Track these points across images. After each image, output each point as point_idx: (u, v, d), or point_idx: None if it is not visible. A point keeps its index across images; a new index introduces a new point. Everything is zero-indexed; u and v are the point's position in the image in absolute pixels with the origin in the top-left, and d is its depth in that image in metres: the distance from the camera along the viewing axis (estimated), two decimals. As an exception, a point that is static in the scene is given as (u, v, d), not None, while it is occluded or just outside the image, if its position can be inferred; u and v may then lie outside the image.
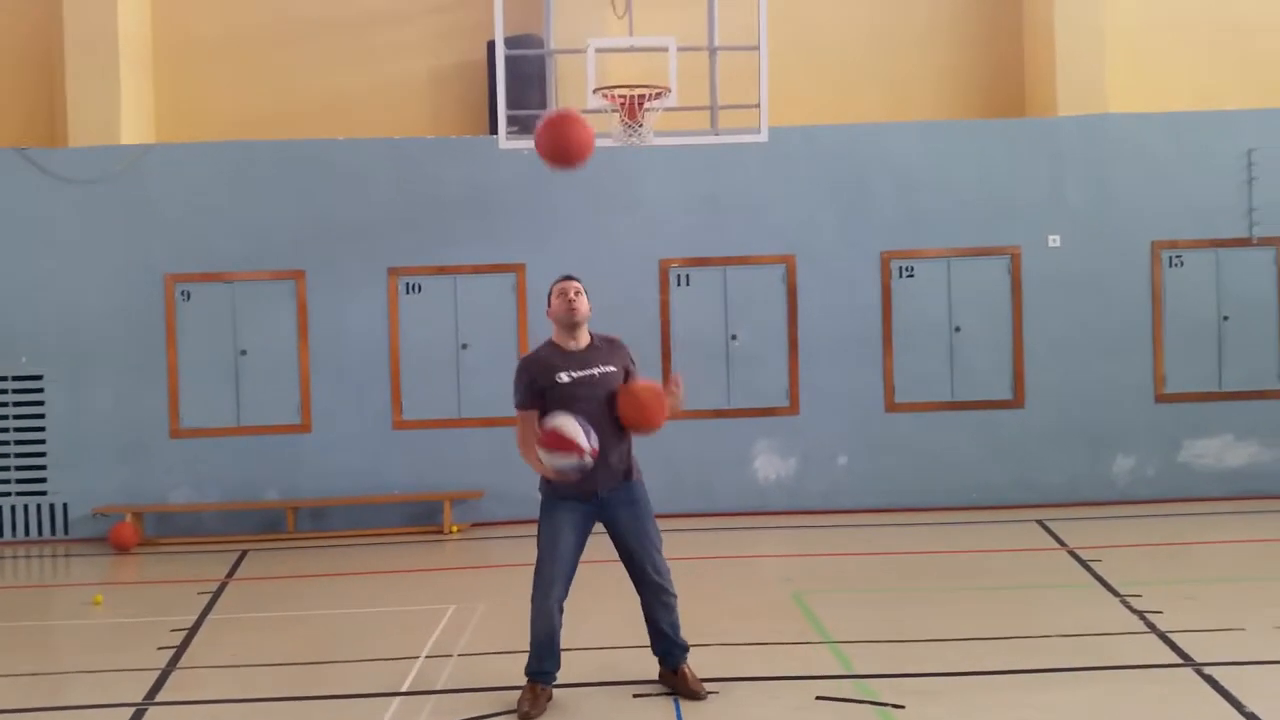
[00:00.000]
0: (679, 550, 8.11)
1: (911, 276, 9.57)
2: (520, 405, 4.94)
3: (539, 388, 4.88)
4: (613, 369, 4.95)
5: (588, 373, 4.89)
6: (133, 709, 5.15)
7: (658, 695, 5.06)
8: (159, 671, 5.70)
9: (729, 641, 5.84)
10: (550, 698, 4.97)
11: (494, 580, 7.66)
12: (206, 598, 7.29)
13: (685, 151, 9.21)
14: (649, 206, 9.54)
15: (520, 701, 4.89)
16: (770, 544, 8.59)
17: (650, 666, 5.21)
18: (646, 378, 5.11)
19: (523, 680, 4.95)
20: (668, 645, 5.05)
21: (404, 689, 5.29)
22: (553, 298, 4.99)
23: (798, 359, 9.56)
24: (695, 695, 4.97)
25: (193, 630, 6.49)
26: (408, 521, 9.42)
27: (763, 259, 9.59)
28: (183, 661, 5.90)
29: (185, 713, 5.15)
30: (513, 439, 9.62)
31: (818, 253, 9.55)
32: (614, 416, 4.88)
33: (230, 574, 8.07)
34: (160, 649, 6.08)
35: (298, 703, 5.22)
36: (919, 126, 9.73)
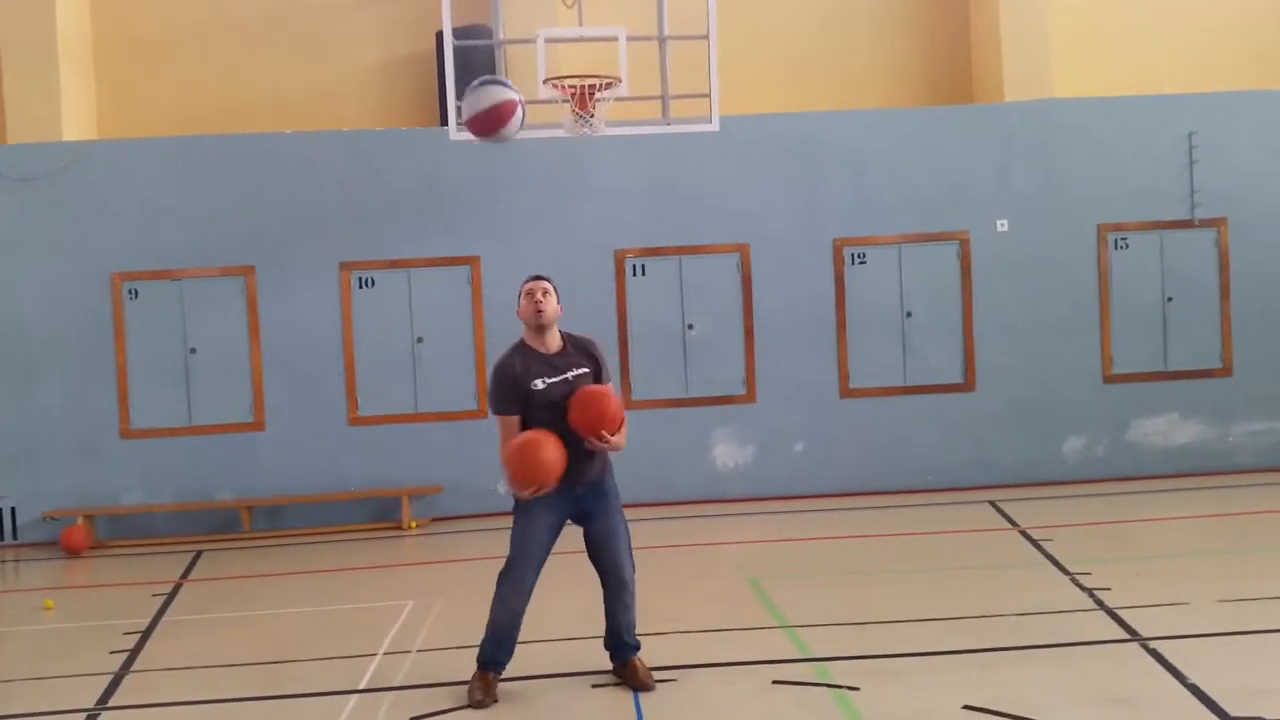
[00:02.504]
0: (638, 540, 8.14)
1: (864, 263, 9.66)
2: (498, 412, 4.90)
3: (516, 394, 4.86)
4: (585, 370, 4.95)
5: (561, 378, 4.88)
6: (84, 715, 5.08)
7: (615, 686, 5.09)
8: (112, 676, 5.63)
9: (686, 629, 5.88)
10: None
11: (453, 575, 7.65)
12: (160, 600, 7.20)
13: (638, 141, 9.21)
14: (603, 197, 9.53)
15: (472, 691, 4.90)
16: (728, 531, 8.65)
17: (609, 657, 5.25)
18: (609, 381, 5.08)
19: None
20: (620, 643, 5.12)
21: (362, 686, 5.27)
22: (521, 298, 4.98)
23: (754, 347, 9.62)
24: (645, 687, 5.02)
25: (146, 633, 6.42)
26: (366, 518, 9.36)
27: (717, 248, 9.62)
28: (136, 665, 5.83)
29: (139, 717, 5.09)
30: (469, 432, 9.59)
31: (771, 241, 9.60)
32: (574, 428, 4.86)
33: (185, 575, 7.97)
34: (113, 653, 6.00)
35: (255, 703, 5.18)
36: (869, 115, 9.80)
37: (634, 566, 5.08)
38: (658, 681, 5.07)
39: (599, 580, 5.06)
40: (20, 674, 5.87)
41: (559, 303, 5.01)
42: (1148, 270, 9.72)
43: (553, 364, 4.91)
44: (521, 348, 4.96)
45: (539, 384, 4.85)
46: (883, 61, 10.44)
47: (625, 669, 5.11)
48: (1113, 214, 9.72)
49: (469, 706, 4.85)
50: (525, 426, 4.86)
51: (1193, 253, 9.75)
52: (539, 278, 5.03)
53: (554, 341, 4.97)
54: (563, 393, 4.85)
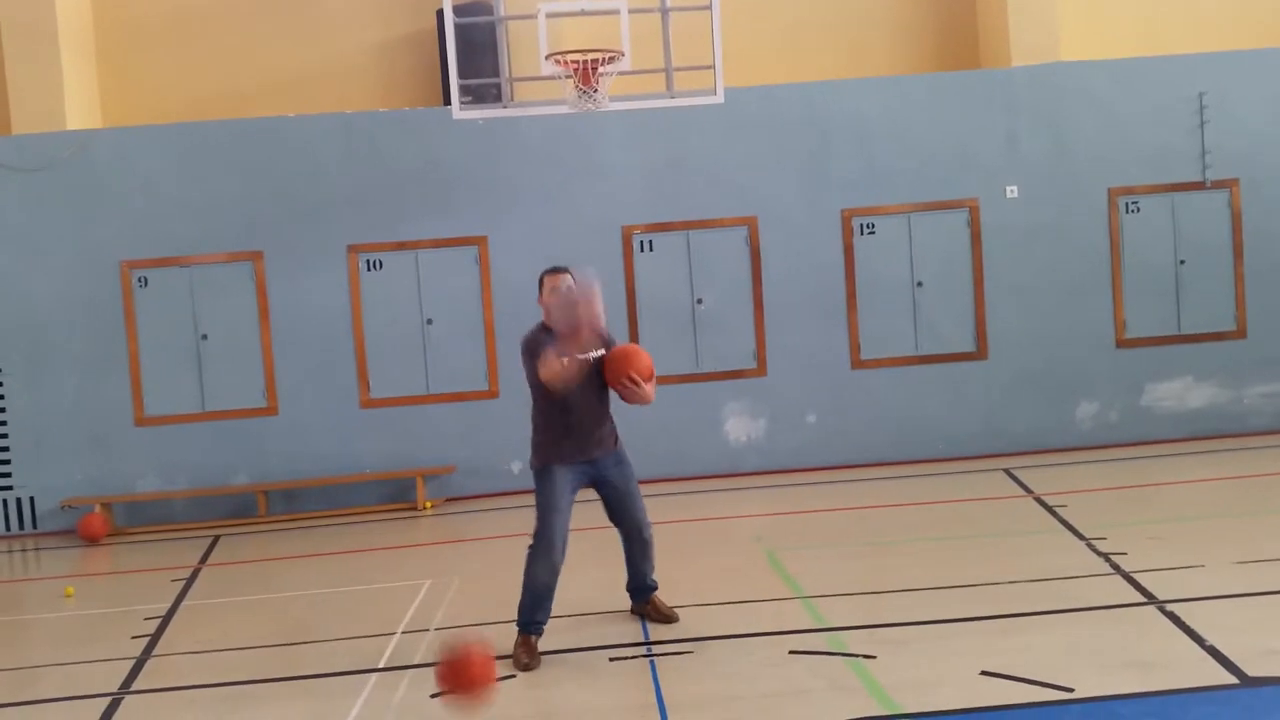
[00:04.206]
0: (651, 515, 8.15)
1: (873, 233, 9.61)
2: (536, 365, 5.09)
3: (543, 354, 5.12)
4: (602, 352, 5.25)
5: (586, 355, 5.15)
6: (109, 699, 5.13)
7: (633, 658, 5.11)
8: (134, 660, 5.68)
9: (703, 601, 5.89)
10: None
11: (468, 554, 7.68)
12: (180, 585, 7.25)
13: (643, 117, 9.16)
14: (609, 173, 9.49)
15: (518, 656, 5.11)
16: (742, 504, 8.65)
17: (626, 630, 5.31)
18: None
19: (498, 650, 4.97)
20: (643, 585, 5.55)
21: (381, 665, 5.31)
22: (544, 291, 5.25)
23: (763, 320, 9.59)
24: (670, 618, 5.47)
25: (167, 618, 6.47)
26: (380, 500, 9.40)
27: (725, 221, 9.58)
28: (158, 649, 5.88)
29: (162, 700, 5.14)
30: (481, 413, 9.60)
31: (779, 213, 9.55)
32: (606, 396, 5.26)
33: (203, 560, 8.03)
34: (135, 638, 6.06)
35: (276, 684, 5.23)
36: (875, 83, 9.72)
37: (650, 522, 5.49)
38: (675, 654, 5.10)
39: (621, 535, 5.44)
40: (44, 660, 5.92)
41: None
42: (1159, 233, 9.65)
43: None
44: (543, 330, 5.24)
45: (564, 359, 5.09)
46: (887, 27, 10.34)
47: (648, 605, 5.53)
48: (1123, 177, 9.64)
49: (517, 671, 5.02)
50: (550, 407, 5.16)
51: (1205, 215, 9.66)
52: (558, 270, 5.30)
53: None
54: (585, 376, 5.12)
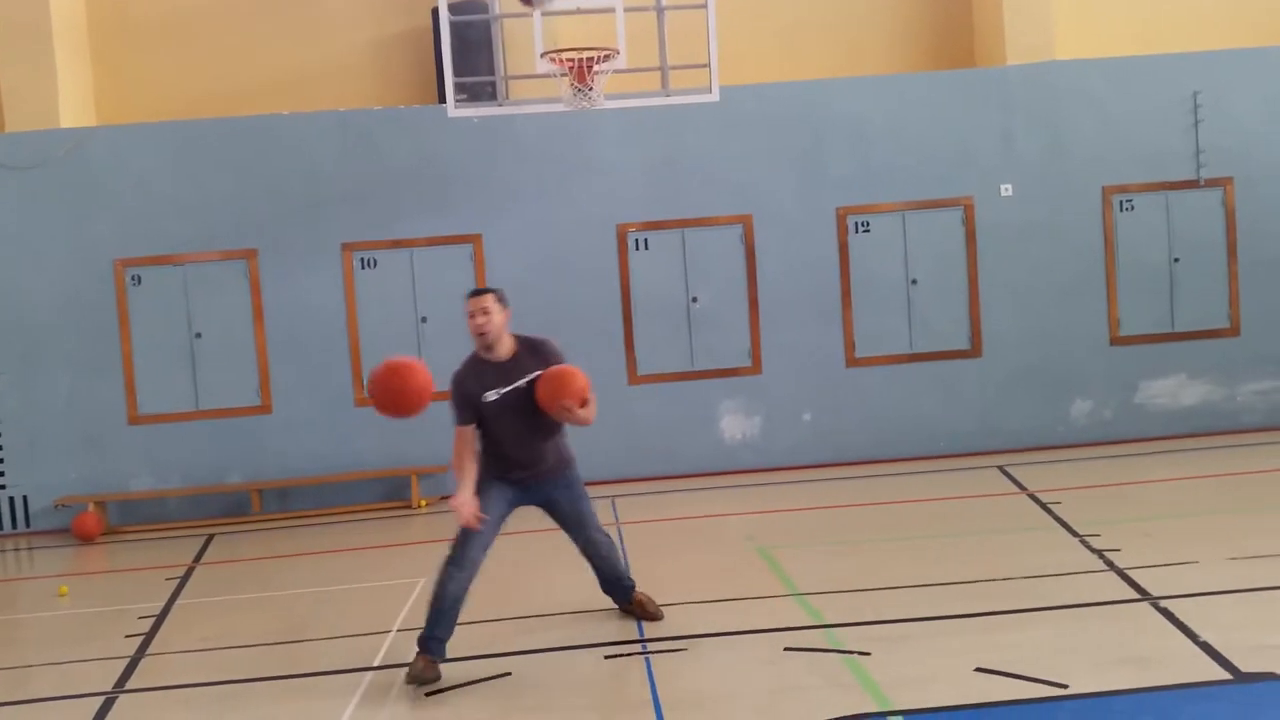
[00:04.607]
0: (646, 513, 8.21)
1: (867, 231, 9.62)
2: (457, 423, 5.04)
3: (469, 405, 4.99)
4: (537, 376, 5.00)
5: (512, 387, 4.98)
6: (102, 698, 5.12)
7: (628, 656, 5.11)
8: (128, 659, 5.67)
9: (697, 599, 5.90)
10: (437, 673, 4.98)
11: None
12: (174, 583, 7.24)
13: (638, 115, 9.16)
14: (604, 171, 9.49)
15: (412, 667, 4.90)
16: (737, 502, 8.66)
17: (620, 628, 5.33)
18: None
19: (494, 648, 4.99)
20: (616, 585, 5.51)
21: (376, 664, 5.31)
22: (467, 316, 5.03)
23: (758, 319, 9.60)
24: (656, 616, 5.45)
25: (161, 616, 6.46)
26: (375, 498, 9.39)
27: (720, 220, 9.58)
28: (152, 648, 5.87)
29: (156, 699, 5.14)
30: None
31: (774, 211, 9.56)
32: (542, 422, 5.01)
33: (197, 559, 8.02)
34: (129, 637, 6.05)
35: (270, 682, 5.22)
36: (869, 81, 9.73)
37: (606, 534, 5.43)
38: (670, 651, 5.10)
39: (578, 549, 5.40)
40: (38, 659, 5.91)
41: (506, 308, 5.03)
42: (1154, 231, 9.67)
43: (505, 372, 5.00)
44: (474, 360, 5.06)
45: (490, 396, 4.98)
46: (882, 26, 10.34)
47: (632, 605, 5.47)
48: (1117, 176, 9.66)
49: (416, 684, 4.84)
50: (483, 435, 5.05)
51: (1199, 213, 9.68)
52: (478, 293, 5.04)
53: (505, 350, 5.04)
54: (514, 400, 4.97)
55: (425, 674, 4.88)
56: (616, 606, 5.63)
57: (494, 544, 5.11)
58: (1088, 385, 9.69)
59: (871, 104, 9.58)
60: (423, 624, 5.03)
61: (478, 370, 5.01)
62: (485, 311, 4.95)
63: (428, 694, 4.85)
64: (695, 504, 8.58)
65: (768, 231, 9.56)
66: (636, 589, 5.56)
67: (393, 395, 4.83)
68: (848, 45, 10.30)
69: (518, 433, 5.01)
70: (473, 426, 5.02)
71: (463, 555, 4.96)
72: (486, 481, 5.08)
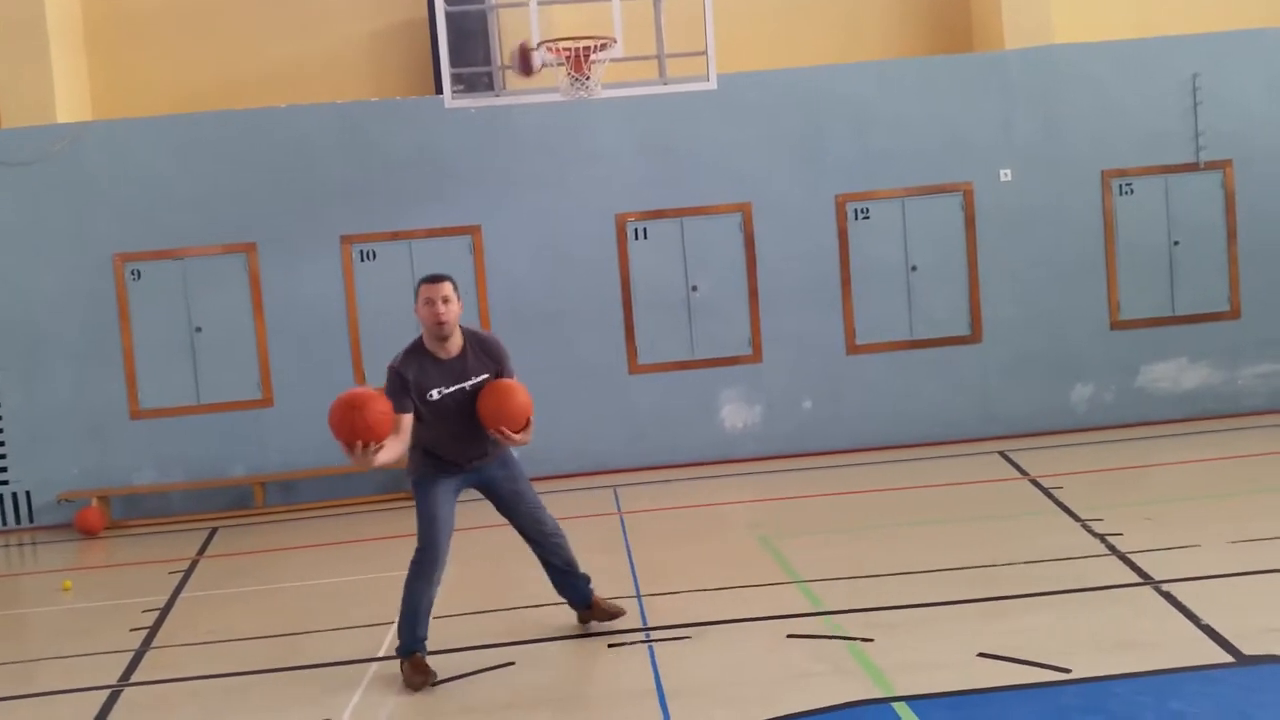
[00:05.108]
0: (646, 503, 8.22)
1: (867, 218, 9.60)
2: (394, 410, 4.69)
3: (407, 396, 4.71)
4: (485, 377, 4.80)
5: (458, 387, 4.75)
6: (108, 691, 5.14)
7: (632, 644, 5.13)
8: (133, 653, 5.69)
9: (700, 588, 5.91)
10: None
11: (464, 542, 7.64)
12: (178, 577, 7.26)
13: (637, 103, 9.13)
14: (602, 160, 9.47)
15: (409, 677, 4.82)
16: (739, 491, 8.67)
17: (624, 616, 5.29)
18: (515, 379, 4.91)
19: (497, 638, 4.99)
20: (570, 580, 5.18)
21: (380, 654, 5.32)
22: (419, 303, 4.71)
23: (758, 307, 9.59)
24: (617, 612, 5.20)
25: (165, 610, 6.48)
26: (378, 490, 9.40)
27: (719, 208, 9.57)
28: (156, 641, 5.89)
29: (162, 692, 5.15)
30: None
31: (773, 199, 9.54)
32: (477, 422, 4.79)
33: (201, 552, 8.03)
34: (133, 630, 6.06)
35: (275, 674, 5.24)
36: (867, 67, 9.70)
37: (552, 518, 5.11)
38: (673, 639, 5.11)
39: (526, 541, 5.11)
40: (43, 653, 5.93)
41: (460, 300, 4.76)
42: (1153, 215, 9.65)
43: (451, 370, 4.75)
44: (419, 351, 4.76)
45: (435, 394, 4.70)
46: (880, 11, 10.31)
47: (591, 611, 5.22)
48: (1117, 159, 9.63)
49: (412, 690, 4.77)
50: (421, 429, 4.78)
51: (1198, 196, 9.66)
52: (437, 279, 4.73)
53: (454, 345, 4.77)
54: (459, 400, 4.73)
55: (423, 679, 4.80)
56: (575, 614, 5.29)
57: (454, 529, 4.97)
58: (1088, 370, 9.69)
59: (870, 90, 9.55)
60: (399, 635, 4.90)
61: (421, 363, 4.71)
62: (446, 300, 4.66)
63: (433, 684, 4.87)
64: (697, 493, 8.59)
65: (767, 219, 9.55)
66: (592, 588, 5.26)
67: (351, 428, 4.58)
68: (845, 31, 10.27)
69: (456, 432, 4.77)
70: (408, 416, 4.71)
71: (434, 556, 4.83)
72: (426, 479, 4.87)
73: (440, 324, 4.69)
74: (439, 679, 4.89)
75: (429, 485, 4.87)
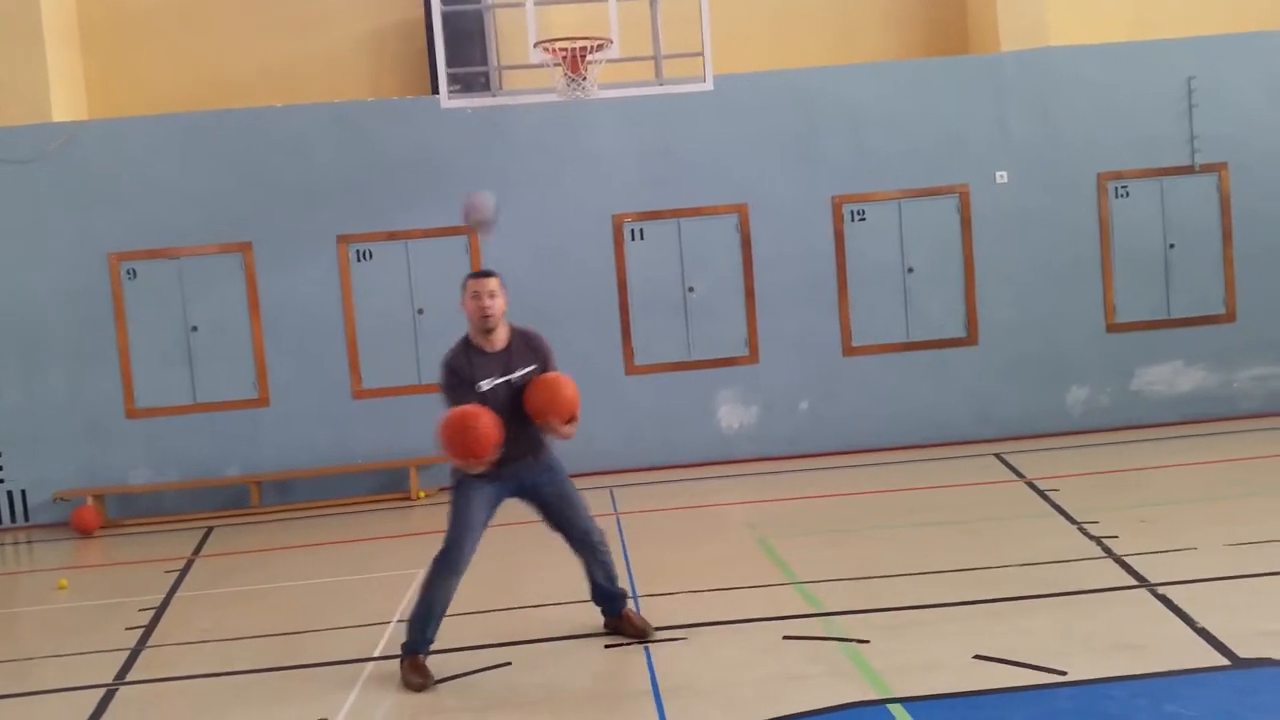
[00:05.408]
0: (642, 504, 8.22)
1: (863, 220, 9.62)
2: (450, 405, 4.81)
3: (464, 391, 4.81)
4: (531, 370, 4.90)
5: (505, 379, 4.85)
6: (103, 690, 5.13)
7: (629, 645, 5.13)
8: (128, 651, 5.68)
9: (696, 588, 5.91)
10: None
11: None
12: (174, 576, 7.25)
13: (633, 104, 9.14)
14: (599, 161, 9.47)
15: (409, 678, 4.84)
16: (735, 492, 8.67)
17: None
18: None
19: (494, 638, 4.99)
20: (607, 595, 5.21)
21: (376, 654, 5.32)
22: (466, 297, 4.87)
23: (755, 308, 9.60)
24: (645, 632, 5.14)
25: (161, 608, 6.47)
26: (374, 490, 9.40)
27: (716, 209, 9.58)
28: (152, 640, 5.88)
29: (158, 690, 5.15)
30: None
31: (770, 200, 9.55)
32: (523, 413, 4.86)
33: (196, 551, 8.02)
34: (129, 629, 6.05)
35: (270, 674, 5.23)
36: (864, 69, 9.72)
37: (598, 525, 5.15)
38: (669, 640, 5.11)
39: (567, 543, 5.12)
40: (38, 652, 5.91)
41: (506, 295, 4.88)
42: (1149, 218, 9.67)
43: (498, 362, 4.86)
44: (467, 347, 4.91)
45: (484, 385, 4.81)
46: (875, 13, 10.33)
47: (620, 620, 5.20)
48: (1113, 162, 9.66)
49: (411, 691, 4.78)
50: None
51: (1194, 199, 9.69)
52: (485, 274, 4.90)
53: (500, 339, 4.90)
54: (507, 394, 4.82)
55: (421, 680, 4.81)
56: (603, 623, 5.30)
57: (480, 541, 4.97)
58: (1084, 372, 9.71)
59: (866, 91, 9.56)
60: (407, 631, 4.92)
61: (470, 357, 4.86)
62: (492, 295, 4.82)
63: (431, 687, 4.86)
64: (693, 494, 8.59)
65: (763, 220, 9.56)
66: (628, 604, 5.29)
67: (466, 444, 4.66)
68: (841, 32, 10.29)
69: (503, 425, 4.77)
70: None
71: (457, 559, 4.85)
72: (466, 480, 4.88)
73: (486, 317, 4.83)
74: (437, 679, 4.88)
75: (469, 489, 4.89)
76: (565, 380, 4.87)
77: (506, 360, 4.89)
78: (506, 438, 4.80)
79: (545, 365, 4.97)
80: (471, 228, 4.90)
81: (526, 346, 4.94)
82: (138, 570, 7.62)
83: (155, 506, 9.31)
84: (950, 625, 5.09)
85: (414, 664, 4.90)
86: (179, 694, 5.09)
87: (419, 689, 4.80)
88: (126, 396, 9.31)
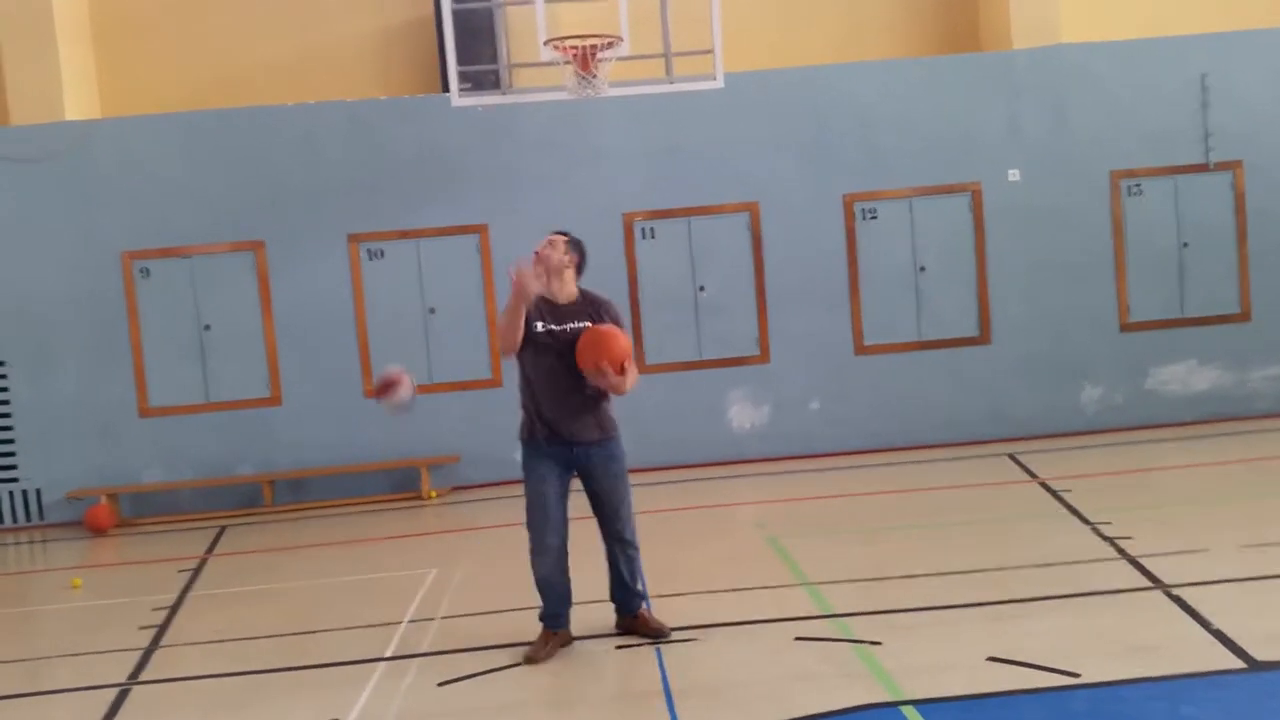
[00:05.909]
0: (655, 503, 8.21)
1: (874, 218, 9.58)
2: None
3: (527, 330, 4.97)
4: (584, 325, 4.99)
5: (562, 327, 4.98)
6: (117, 689, 5.15)
7: (640, 645, 5.12)
8: (142, 651, 5.70)
9: (707, 589, 5.91)
10: (566, 642, 5.13)
11: (473, 543, 7.69)
12: (187, 575, 7.27)
13: (644, 103, 9.12)
14: (609, 159, 9.46)
15: (531, 647, 5.07)
16: (746, 491, 8.66)
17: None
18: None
19: (507, 638, 5.02)
20: (627, 593, 5.24)
21: (388, 654, 5.32)
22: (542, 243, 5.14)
23: (766, 307, 9.58)
24: (660, 634, 5.16)
25: (174, 608, 6.49)
26: (386, 489, 9.41)
27: (726, 208, 9.56)
28: (165, 640, 5.90)
29: (170, 690, 5.16)
30: (484, 402, 9.62)
31: (781, 199, 9.52)
32: (582, 382, 4.96)
33: (209, 550, 8.05)
34: (142, 628, 6.07)
35: (283, 673, 5.24)
36: (875, 66, 9.68)
37: (634, 525, 5.21)
38: (681, 641, 5.11)
39: (601, 535, 5.21)
40: (52, 651, 5.94)
41: (574, 255, 5.09)
42: (1163, 216, 9.61)
43: (559, 312, 5.01)
44: (541, 297, 5.07)
45: (539, 326, 4.96)
46: (887, 11, 10.28)
47: (635, 620, 5.23)
48: (1126, 160, 9.60)
49: (525, 661, 4.99)
50: (524, 381, 5.03)
51: (1208, 197, 9.63)
52: (558, 232, 5.18)
53: (567, 293, 5.06)
54: (559, 341, 4.94)
55: (536, 650, 5.02)
56: (615, 622, 5.32)
57: (568, 518, 5.09)
58: (1098, 371, 9.66)
59: (877, 89, 9.53)
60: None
61: (539, 302, 5.00)
62: (552, 244, 5.05)
63: (439, 684, 4.87)
64: (704, 493, 8.58)
65: (774, 219, 9.53)
66: (644, 606, 5.31)
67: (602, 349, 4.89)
68: (852, 30, 10.25)
69: (555, 383, 4.94)
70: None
71: (540, 543, 5.02)
72: (533, 455, 5.03)
73: (537, 258, 5.02)
74: (448, 680, 4.88)
75: (534, 464, 5.02)
76: (617, 331, 5.00)
77: (568, 312, 5.02)
78: (559, 405, 4.94)
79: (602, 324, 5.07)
80: (385, 407, 5.10)
81: (591, 308, 5.08)
82: (151, 569, 7.65)
83: (168, 505, 9.35)
84: (963, 626, 5.07)
85: (541, 635, 5.10)
86: (192, 693, 5.10)
87: (531, 659, 4.98)
88: (139, 395, 9.34)
